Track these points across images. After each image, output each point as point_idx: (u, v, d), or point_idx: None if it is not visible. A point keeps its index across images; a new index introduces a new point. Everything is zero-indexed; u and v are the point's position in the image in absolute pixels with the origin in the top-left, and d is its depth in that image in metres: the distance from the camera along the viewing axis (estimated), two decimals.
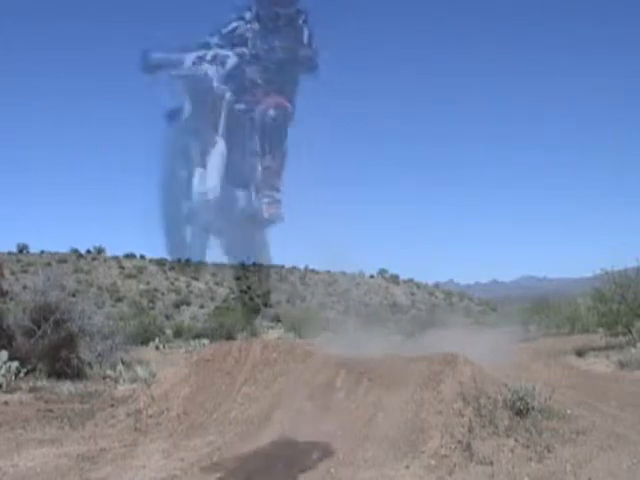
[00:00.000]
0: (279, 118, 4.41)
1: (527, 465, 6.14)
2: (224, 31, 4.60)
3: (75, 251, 65.00)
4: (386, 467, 6.28)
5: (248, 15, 4.60)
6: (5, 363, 11.96)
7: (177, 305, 58.70)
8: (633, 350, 15.15)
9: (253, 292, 59.39)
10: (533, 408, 7.44)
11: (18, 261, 57.79)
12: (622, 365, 14.13)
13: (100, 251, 66.48)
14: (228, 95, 4.43)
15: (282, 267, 74.62)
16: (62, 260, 61.34)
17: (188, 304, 59.58)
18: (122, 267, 65.13)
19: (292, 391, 8.43)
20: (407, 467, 6.25)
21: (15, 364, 12.06)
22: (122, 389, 12.04)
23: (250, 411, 8.27)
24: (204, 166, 4.38)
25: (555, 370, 14.45)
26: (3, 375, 11.56)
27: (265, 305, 52.59)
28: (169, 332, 34.19)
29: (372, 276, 77.17)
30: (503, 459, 6.29)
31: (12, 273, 48.13)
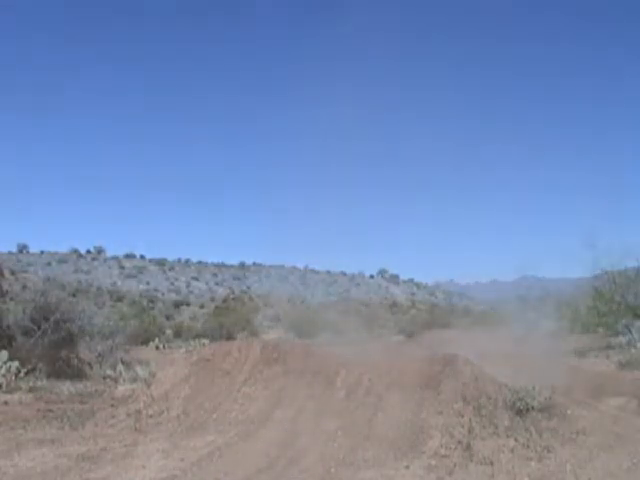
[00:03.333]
0: None
1: (527, 465, 6.15)
2: None
3: (75, 251, 65.07)
4: (386, 467, 6.29)
5: None
6: (5, 363, 11.95)
7: (177, 305, 58.66)
8: (633, 350, 15.18)
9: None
10: (533, 408, 7.44)
11: (18, 261, 57.81)
12: (622, 365, 14.13)
13: (100, 251, 66.53)
14: None
15: (282, 267, 74.72)
16: (62, 260, 61.42)
17: (188, 304, 59.55)
18: (122, 267, 65.16)
19: (292, 391, 8.44)
20: (407, 467, 6.26)
21: (15, 364, 12.05)
22: (122, 389, 12.03)
23: (250, 411, 8.27)
24: None
25: (555, 370, 14.43)
26: (3, 375, 11.56)
27: None
28: (169, 332, 34.17)
29: (372, 276, 77.25)
30: (503, 459, 6.30)
31: (12, 273, 48.11)
